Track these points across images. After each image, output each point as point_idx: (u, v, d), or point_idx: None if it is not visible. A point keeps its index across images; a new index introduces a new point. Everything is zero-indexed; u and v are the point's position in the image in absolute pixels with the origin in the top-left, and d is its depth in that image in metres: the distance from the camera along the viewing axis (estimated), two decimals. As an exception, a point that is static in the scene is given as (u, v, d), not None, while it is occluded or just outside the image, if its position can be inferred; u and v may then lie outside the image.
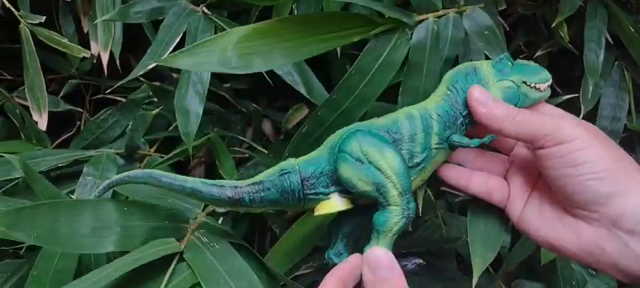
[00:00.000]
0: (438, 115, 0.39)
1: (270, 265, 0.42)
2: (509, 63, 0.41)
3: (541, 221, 0.38)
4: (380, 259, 0.34)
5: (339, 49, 0.60)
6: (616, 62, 0.74)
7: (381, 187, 0.35)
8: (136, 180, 0.39)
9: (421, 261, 0.40)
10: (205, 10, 0.61)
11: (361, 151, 0.36)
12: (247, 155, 0.66)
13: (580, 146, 0.34)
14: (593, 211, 0.34)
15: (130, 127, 0.65)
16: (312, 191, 0.38)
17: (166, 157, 0.60)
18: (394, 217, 0.35)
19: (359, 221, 0.40)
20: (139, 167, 0.62)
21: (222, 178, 0.60)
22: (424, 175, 0.39)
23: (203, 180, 0.38)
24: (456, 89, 0.40)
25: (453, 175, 0.41)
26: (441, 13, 0.50)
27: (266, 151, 0.64)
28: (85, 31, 0.72)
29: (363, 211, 0.39)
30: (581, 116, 0.69)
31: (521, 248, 0.73)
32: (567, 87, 0.79)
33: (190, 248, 0.41)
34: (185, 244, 0.41)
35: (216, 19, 0.60)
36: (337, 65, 0.68)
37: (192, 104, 0.57)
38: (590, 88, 0.68)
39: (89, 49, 0.68)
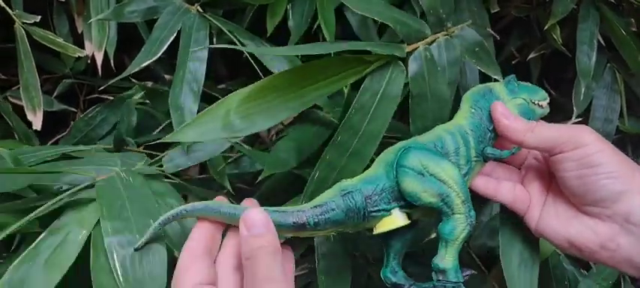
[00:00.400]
0: (472, 130, 0.42)
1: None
2: (516, 83, 0.45)
3: (559, 222, 0.41)
4: (255, 218, 0.36)
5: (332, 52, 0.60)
6: (608, 64, 0.75)
7: (445, 197, 0.37)
8: (193, 213, 0.38)
9: (473, 271, 0.42)
10: (200, 10, 0.61)
11: (421, 165, 0.38)
12: (240, 155, 0.66)
13: (594, 150, 0.38)
14: (606, 207, 0.38)
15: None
16: (376, 208, 0.38)
17: (158, 156, 0.60)
18: (460, 224, 0.38)
19: (408, 238, 0.42)
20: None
21: (215, 181, 0.61)
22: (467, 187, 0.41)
23: (265, 208, 0.37)
24: (479, 108, 0.43)
25: (482, 184, 0.43)
26: (430, 38, 0.51)
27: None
28: (80, 32, 0.72)
29: (411, 229, 0.41)
30: (573, 118, 0.69)
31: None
32: (559, 89, 0.80)
33: (105, 180, 0.44)
34: (103, 177, 0.44)
35: (210, 19, 0.61)
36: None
37: (186, 102, 0.57)
38: (583, 90, 0.69)
39: (84, 49, 0.68)
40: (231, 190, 0.59)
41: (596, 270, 0.67)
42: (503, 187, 0.43)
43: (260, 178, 0.54)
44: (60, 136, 0.72)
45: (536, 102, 0.45)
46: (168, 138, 0.41)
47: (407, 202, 0.39)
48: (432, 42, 0.51)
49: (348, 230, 0.40)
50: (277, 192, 0.59)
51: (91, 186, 0.44)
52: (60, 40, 0.63)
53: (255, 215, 0.36)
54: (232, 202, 0.39)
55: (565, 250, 0.41)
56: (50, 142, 0.72)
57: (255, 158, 0.58)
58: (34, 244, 0.38)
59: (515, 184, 0.44)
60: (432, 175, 0.38)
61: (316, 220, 0.37)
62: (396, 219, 0.39)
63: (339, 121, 0.53)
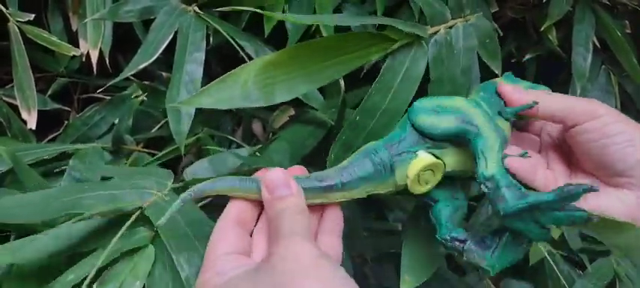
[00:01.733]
0: (483, 101, 0.40)
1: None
2: (514, 79, 0.45)
3: (585, 199, 0.39)
4: (275, 178, 0.35)
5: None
6: (602, 66, 0.75)
7: (466, 118, 0.37)
8: (216, 190, 0.37)
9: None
10: (196, 10, 0.61)
11: (433, 105, 0.38)
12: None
13: (611, 120, 0.37)
14: (631, 176, 0.37)
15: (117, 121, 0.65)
16: (399, 152, 0.38)
17: (157, 155, 0.60)
18: (490, 135, 0.36)
19: (457, 201, 0.40)
20: (126, 163, 0.61)
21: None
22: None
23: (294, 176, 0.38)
24: (486, 93, 0.41)
25: (520, 165, 0.41)
26: (450, 23, 0.51)
27: (256, 153, 0.63)
28: (74, 30, 0.71)
29: (452, 187, 0.40)
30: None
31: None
32: (554, 91, 0.80)
33: (152, 206, 0.41)
34: (148, 203, 0.41)
35: (207, 19, 0.60)
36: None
37: (183, 104, 0.56)
38: (578, 91, 0.69)
39: (78, 47, 0.67)
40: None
41: (592, 270, 0.67)
42: (539, 172, 0.42)
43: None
44: (55, 135, 0.71)
45: None
46: (185, 102, 0.40)
47: (432, 143, 0.38)
48: (451, 27, 0.51)
49: (380, 191, 0.38)
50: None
51: (139, 214, 0.41)
52: (54, 38, 0.62)
53: (275, 175, 0.35)
54: None
55: None
56: (45, 141, 0.71)
57: (253, 163, 0.58)
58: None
59: (544, 170, 0.42)
60: (446, 108, 0.38)
61: (344, 179, 0.37)
62: (423, 158, 0.37)
63: (338, 115, 0.53)
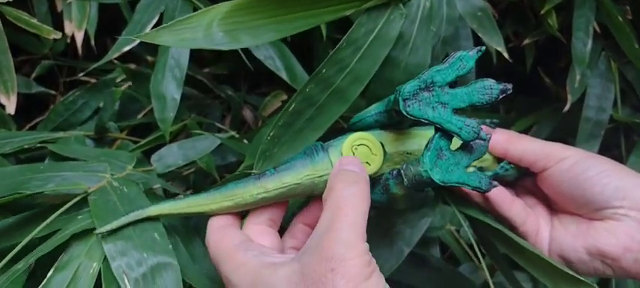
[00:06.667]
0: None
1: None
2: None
3: (573, 238, 0.39)
4: (351, 160, 0.35)
5: (324, 31, 0.58)
6: (602, 52, 0.74)
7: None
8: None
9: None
10: (184, -10, 0.59)
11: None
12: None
13: (578, 157, 0.38)
14: (618, 207, 0.36)
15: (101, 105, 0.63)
16: (333, 142, 0.38)
17: (141, 141, 0.58)
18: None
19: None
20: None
21: (202, 175, 0.59)
22: None
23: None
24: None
25: (498, 194, 0.42)
26: None
27: (244, 140, 0.62)
28: (59, 11, 0.69)
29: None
30: (568, 106, 0.68)
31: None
32: (552, 78, 0.78)
33: (97, 192, 0.40)
34: (95, 188, 0.40)
35: (194, 0, 0.58)
36: (321, 51, 0.67)
37: (169, 89, 0.55)
38: (578, 77, 0.67)
39: (63, 30, 0.65)
40: (218, 180, 0.57)
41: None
42: (516, 204, 0.41)
43: (241, 168, 0.52)
44: (38, 120, 0.69)
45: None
46: (142, 36, 0.37)
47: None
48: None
49: (316, 175, 0.37)
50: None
51: (84, 199, 0.41)
52: (34, 20, 0.59)
53: (350, 158, 0.35)
54: None
55: (588, 266, 0.38)
56: (28, 127, 0.69)
57: (237, 148, 0.56)
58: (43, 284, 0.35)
59: (525, 206, 0.42)
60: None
61: (277, 166, 0.37)
62: (355, 133, 0.37)
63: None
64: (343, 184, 0.32)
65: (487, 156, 0.41)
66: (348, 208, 0.30)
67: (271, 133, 0.40)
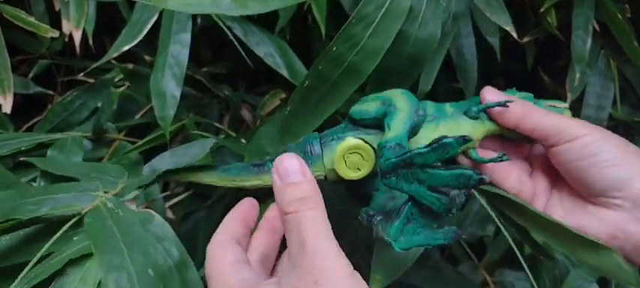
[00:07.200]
0: (451, 107, 0.40)
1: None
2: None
3: (564, 213, 0.40)
4: (288, 165, 0.32)
5: (323, 29, 0.58)
6: (601, 51, 0.74)
7: (389, 101, 0.37)
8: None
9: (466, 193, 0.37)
10: (182, -11, 0.58)
11: (371, 97, 0.39)
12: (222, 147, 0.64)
13: (592, 139, 0.37)
14: (614, 197, 0.37)
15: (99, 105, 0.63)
16: (329, 139, 0.38)
17: (139, 142, 0.57)
18: (403, 111, 0.36)
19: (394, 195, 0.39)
20: (107, 152, 0.59)
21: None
22: (448, 129, 0.39)
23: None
24: (470, 102, 0.40)
25: (491, 169, 0.42)
26: None
27: (242, 139, 0.61)
28: (57, 9, 0.68)
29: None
30: (567, 104, 0.68)
31: (504, 238, 0.73)
32: (552, 76, 0.78)
33: (92, 213, 0.39)
34: (88, 209, 0.39)
35: (193, -2, 0.58)
36: (321, 49, 0.66)
37: (169, 87, 0.54)
38: (577, 75, 0.67)
39: (61, 29, 0.65)
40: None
41: (587, 260, 0.66)
42: (512, 175, 0.42)
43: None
44: (35, 120, 0.68)
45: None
46: (149, 1, 0.37)
47: (364, 132, 0.38)
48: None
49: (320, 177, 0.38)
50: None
51: (79, 220, 0.40)
52: (32, 18, 0.59)
53: (288, 160, 0.32)
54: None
55: None
56: (25, 126, 0.68)
57: (236, 148, 0.56)
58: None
59: (522, 174, 0.42)
60: (379, 97, 0.38)
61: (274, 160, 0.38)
62: (349, 140, 0.37)
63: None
64: (295, 205, 0.31)
65: (477, 131, 0.40)
66: (308, 223, 0.30)
67: (289, 108, 0.39)
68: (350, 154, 0.37)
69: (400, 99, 0.37)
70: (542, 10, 0.65)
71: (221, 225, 0.37)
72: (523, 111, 0.39)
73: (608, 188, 0.37)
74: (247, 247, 0.38)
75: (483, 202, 0.44)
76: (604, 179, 0.36)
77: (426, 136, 0.38)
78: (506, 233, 0.49)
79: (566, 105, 0.42)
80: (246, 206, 0.39)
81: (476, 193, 0.42)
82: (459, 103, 0.41)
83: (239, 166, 0.39)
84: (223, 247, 0.35)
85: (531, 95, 0.42)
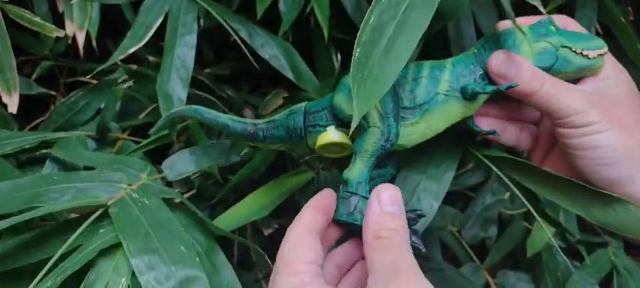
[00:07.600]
0: (453, 65, 0.38)
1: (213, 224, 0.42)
2: (552, 27, 0.38)
3: (564, 166, 0.39)
4: (389, 195, 0.34)
5: (326, 32, 0.58)
6: (604, 53, 0.74)
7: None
8: (183, 114, 0.46)
9: (420, 212, 0.38)
10: (187, -9, 0.58)
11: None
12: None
13: (596, 130, 0.35)
14: (612, 191, 0.36)
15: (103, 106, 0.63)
16: (313, 124, 0.39)
17: (144, 141, 0.57)
18: (372, 137, 0.36)
19: (379, 174, 0.41)
20: (112, 152, 0.59)
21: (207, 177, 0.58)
22: (431, 121, 0.38)
23: (232, 117, 0.43)
24: (485, 49, 0.38)
25: (486, 125, 0.41)
26: None
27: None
28: (60, 11, 0.68)
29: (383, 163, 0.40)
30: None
31: (507, 240, 0.73)
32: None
33: (118, 204, 0.40)
34: (114, 200, 0.40)
35: (198, 1, 0.58)
36: (323, 53, 0.67)
37: (175, 90, 0.54)
38: (579, 77, 0.67)
39: (64, 30, 0.65)
40: (221, 182, 0.57)
41: (589, 262, 0.66)
42: (508, 129, 0.41)
43: (242, 153, 0.53)
44: (39, 120, 0.68)
45: (576, 50, 0.37)
46: None
47: (343, 122, 0.38)
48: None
49: (297, 150, 0.43)
50: (262, 173, 0.57)
51: (105, 211, 0.40)
52: (37, 18, 0.59)
53: (388, 192, 0.34)
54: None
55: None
56: (28, 127, 0.68)
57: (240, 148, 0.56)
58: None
59: (521, 128, 0.42)
60: None
61: (265, 133, 0.41)
62: (330, 135, 0.38)
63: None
64: (389, 233, 0.32)
65: (470, 109, 0.38)
66: (402, 251, 0.31)
67: (357, 53, 0.33)
68: (330, 145, 0.39)
69: (375, 110, 0.36)
70: (545, 11, 0.65)
71: (301, 214, 0.36)
72: (530, 83, 0.36)
73: (606, 185, 0.36)
74: (324, 239, 0.37)
75: (494, 169, 0.43)
76: (594, 174, 0.36)
77: (406, 135, 0.38)
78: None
79: (602, 50, 0.38)
80: (325, 196, 0.38)
81: (488, 161, 0.42)
82: (463, 58, 0.39)
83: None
84: (303, 239, 0.34)
85: (566, 31, 0.38)
